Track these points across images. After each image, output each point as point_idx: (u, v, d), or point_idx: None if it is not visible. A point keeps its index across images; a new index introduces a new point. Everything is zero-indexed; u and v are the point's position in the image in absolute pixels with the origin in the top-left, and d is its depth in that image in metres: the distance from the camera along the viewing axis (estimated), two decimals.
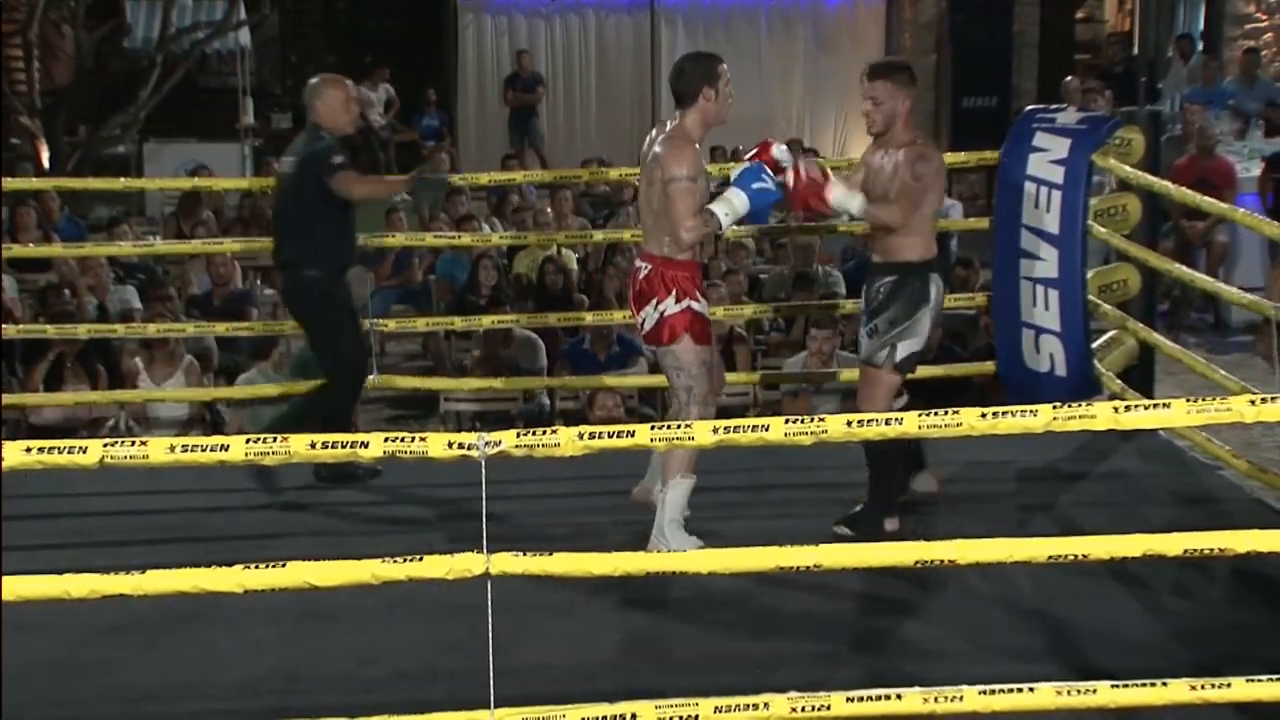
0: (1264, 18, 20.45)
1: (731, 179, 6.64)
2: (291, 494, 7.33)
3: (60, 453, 4.05)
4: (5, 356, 11.27)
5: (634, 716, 4.28)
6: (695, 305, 6.67)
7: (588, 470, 6.40)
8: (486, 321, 10.10)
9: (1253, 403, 4.25)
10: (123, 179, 14.66)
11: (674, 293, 6.64)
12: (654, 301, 6.67)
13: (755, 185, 6.52)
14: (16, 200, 14.29)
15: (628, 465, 6.77)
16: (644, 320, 6.77)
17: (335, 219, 7.60)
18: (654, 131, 6.84)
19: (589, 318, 10.53)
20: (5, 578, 4.10)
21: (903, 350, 6.73)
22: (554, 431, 4.19)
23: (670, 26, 21.77)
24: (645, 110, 21.55)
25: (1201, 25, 20.76)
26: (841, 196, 6.55)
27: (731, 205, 6.52)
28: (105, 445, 4.10)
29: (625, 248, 12.78)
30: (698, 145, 6.63)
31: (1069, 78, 17.91)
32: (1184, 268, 7.32)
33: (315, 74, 8.07)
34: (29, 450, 4.03)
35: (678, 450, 6.47)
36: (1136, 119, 8.26)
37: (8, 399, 10.31)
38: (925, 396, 7.75)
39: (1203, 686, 4.35)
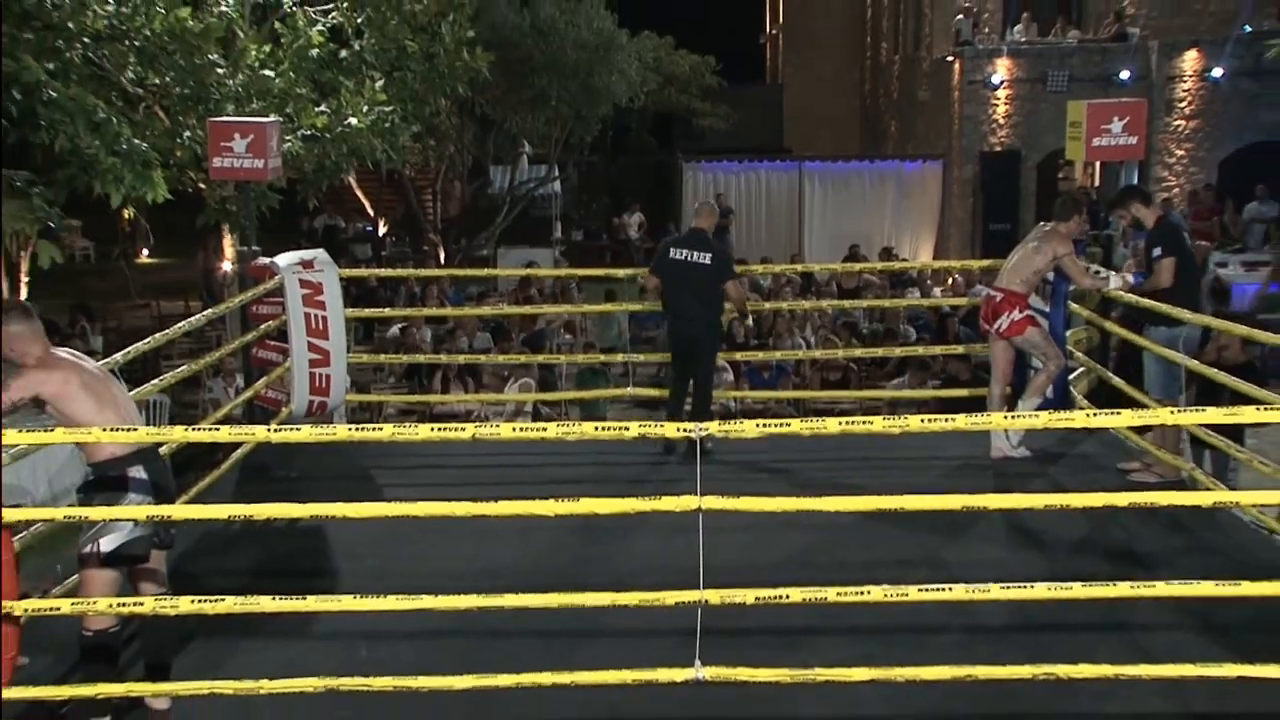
0: (1173, 179, 20.53)
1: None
2: (576, 455, 7.35)
3: (448, 430, 4.10)
4: (418, 374, 11.54)
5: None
6: (1028, 312, 7.03)
7: (763, 447, 6.34)
8: None
9: (1172, 411, 4.10)
10: (485, 269, 15.21)
11: (1016, 308, 7.02)
12: (1007, 313, 7.03)
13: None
14: (427, 282, 14.87)
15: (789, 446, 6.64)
16: (1000, 324, 7.06)
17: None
18: (1036, 231, 7.26)
19: (760, 355, 10.46)
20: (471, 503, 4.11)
21: (108, 544, 4.15)
22: (740, 423, 4.13)
23: (810, 181, 21.62)
24: (794, 232, 21.49)
25: (1136, 180, 20.18)
26: None
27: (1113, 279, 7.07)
28: (475, 427, 4.15)
29: (781, 314, 12.69)
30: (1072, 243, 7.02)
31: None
32: (1128, 333, 7.09)
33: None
34: (433, 429, 4.08)
35: (1039, 379, 7.06)
36: (1099, 240, 8.07)
37: (420, 398, 10.51)
38: (967, 406, 7.56)
39: (1054, 589, 4.09)
